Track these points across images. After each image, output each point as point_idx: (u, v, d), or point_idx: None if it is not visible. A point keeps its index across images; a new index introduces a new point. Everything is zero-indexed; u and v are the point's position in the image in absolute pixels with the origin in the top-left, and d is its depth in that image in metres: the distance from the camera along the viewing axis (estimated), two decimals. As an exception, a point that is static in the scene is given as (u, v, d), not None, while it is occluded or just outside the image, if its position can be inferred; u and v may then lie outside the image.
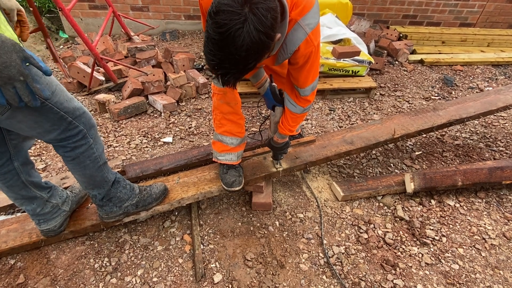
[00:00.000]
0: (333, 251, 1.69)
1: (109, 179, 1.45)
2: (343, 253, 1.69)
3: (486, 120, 2.85)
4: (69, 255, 1.60)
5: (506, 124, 2.80)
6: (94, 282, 1.50)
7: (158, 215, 1.82)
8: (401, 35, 4.18)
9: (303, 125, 2.63)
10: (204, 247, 1.68)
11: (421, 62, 3.81)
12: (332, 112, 2.86)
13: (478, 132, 2.70)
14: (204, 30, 1.37)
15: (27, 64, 0.95)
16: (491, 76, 3.64)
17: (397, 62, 3.80)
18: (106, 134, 2.44)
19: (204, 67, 3.32)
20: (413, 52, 3.98)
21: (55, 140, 1.22)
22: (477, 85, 3.45)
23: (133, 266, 1.58)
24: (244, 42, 0.87)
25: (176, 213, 1.85)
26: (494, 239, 1.80)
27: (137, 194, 1.59)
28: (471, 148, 2.49)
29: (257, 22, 0.87)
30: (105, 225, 1.64)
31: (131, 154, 2.27)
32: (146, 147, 2.34)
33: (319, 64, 1.37)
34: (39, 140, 2.34)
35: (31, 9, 2.43)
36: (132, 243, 1.68)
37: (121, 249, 1.65)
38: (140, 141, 2.38)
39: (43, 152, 2.25)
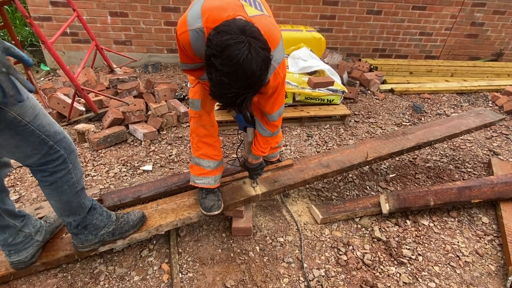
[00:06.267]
0: (313, 275, 1.69)
1: (86, 206, 1.43)
2: (323, 276, 1.69)
3: (454, 143, 3.02)
4: (39, 289, 1.53)
5: (473, 147, 2.97)
6: (65, 317, 1.43)
7: (135, 244, 1.79)
8: (372, 66, 4.47)
9: (282, 151, 2.71)
10: (183, 275, 1.65)
11: (392, 91, 4.05)
12: (310, 138, 2.96)
13: (447, 155, 2.85)
14: (181, 62, 1.44)
15: (7, 56, 0.90)
16: (456, 103, 3.91)
17: (369, 92, 4.02)
18: (85, 163, 2.42)
19: (186, 97, 3.40)
20: (384, 82, 4.24)
21: (34, 165, 1.22)
22: (444, 111, 3.68)
23: (108, 298, 1.52)
24: (257, 62, 0.99)
25: (154, 241, 1.82)
26: (467, 256, 1.86)
27: (114, 221, 1.57)
28: (442, 170, 2.61)
29: (258, 43, 1.00)
30: (79, 256, 1.59)
31: (110, 183, 2.24)
32: (125, 175, 2.33)
33: (284, 93, 1.52)
34: (14, 171, 2.29)
35: (13, 42, 2.48)
36: (107, 274, 1.63)
37: (95, 280, 1.59)
38: (119, 170, 2.37)
39: (17, 182, 2.19)
